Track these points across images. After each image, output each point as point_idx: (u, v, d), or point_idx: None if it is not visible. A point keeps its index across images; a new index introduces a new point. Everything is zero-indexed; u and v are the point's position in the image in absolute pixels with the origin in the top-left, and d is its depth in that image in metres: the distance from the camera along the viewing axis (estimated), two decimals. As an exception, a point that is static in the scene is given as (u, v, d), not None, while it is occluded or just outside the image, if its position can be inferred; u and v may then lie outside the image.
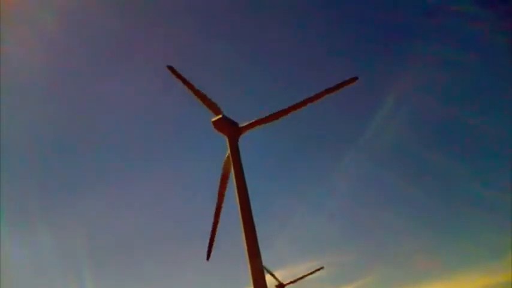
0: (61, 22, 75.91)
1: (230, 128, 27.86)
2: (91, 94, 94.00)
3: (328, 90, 27.27)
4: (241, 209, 25.34)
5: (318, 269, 60.40)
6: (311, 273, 60.68)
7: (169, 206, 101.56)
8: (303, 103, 27.76)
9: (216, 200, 30.59)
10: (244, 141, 28.90)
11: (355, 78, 26.80)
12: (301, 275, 61.36)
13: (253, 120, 28.40)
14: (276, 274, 61.62)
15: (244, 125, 28.46)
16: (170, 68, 27.06)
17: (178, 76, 27.30)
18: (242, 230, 24.81)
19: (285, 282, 61.43)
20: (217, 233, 31.20)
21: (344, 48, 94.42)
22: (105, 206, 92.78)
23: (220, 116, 27.65)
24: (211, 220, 30.88)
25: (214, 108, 28.02)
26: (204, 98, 27.95)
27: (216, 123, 27.51)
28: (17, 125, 79.83)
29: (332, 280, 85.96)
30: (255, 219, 25.30)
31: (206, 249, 31.29)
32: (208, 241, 31.34)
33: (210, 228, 31.00)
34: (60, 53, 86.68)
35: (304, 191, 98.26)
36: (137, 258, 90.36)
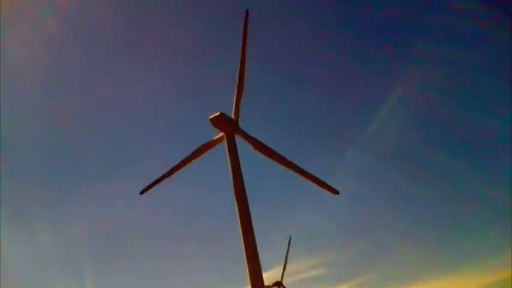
0: (61, 22, 75.88)
1: (228, 125, 27.73)
2: (90, 93, 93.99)
3: (315, 180, 28.77)
4: (239, 207, 25.10)
5: None
6: None
7: (168, 205, 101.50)
8: (290, 166, 28.66)
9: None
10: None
11: (337, 192, 29.08)
12: (298, 275, 61.00)
13: (252, 136, 28.50)
14: (274, 272, 61.66)
15: (243, 130, 28.40)
16: (247, 12, 26.91)
17: (246, 28, 27.00)
18: (240, 229, 24.57)
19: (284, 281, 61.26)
20: (163, 182, 30.35)
21: (347, 45, 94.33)
22: (105, 205, 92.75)
23: (218, 113, 27.51)
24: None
25: (240, 91, 27.89)
26: (242, 72, 27.71)
27: (213, 120, 27.35)
28: (17, 124, 79.84)
29: (332, 277, 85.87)
30: (255, 217, 25.13)
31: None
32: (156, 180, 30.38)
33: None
34: (60, 53, 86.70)
35: (305, 188, 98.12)
36: (137, 256, 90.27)
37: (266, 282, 23.41)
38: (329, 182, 29.00)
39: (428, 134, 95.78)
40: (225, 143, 27.56)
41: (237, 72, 27.72)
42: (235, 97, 28.20)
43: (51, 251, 68.70)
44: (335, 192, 28.83)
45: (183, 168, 29.73)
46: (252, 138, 28.46)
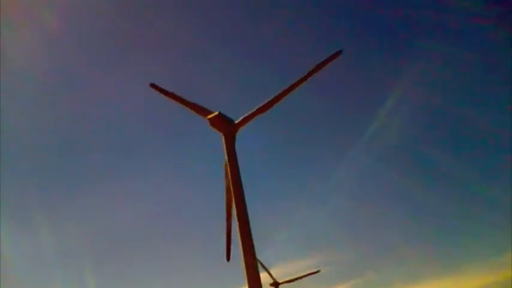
0: (61, 21, 75.92)
1: (226, 126, 27.60)
2: (90, 93, 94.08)
3: (319, 67, 27.16)
4: (237, 209, 25.01)
5: (314, 272, 60.64)
6: (307, 275, 60.64)
7: (168, 204, 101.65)
8: (294, 86, 27.44)
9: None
10: (246, 138, 28.65)
11: (339, 52, 26.87)
12: (297, 274, 61.29)
13: (247, 114, 27.90)
14: (274, 271, 61.68)
15: (239, 120, 28.00)
16: (152, 85, 28.19)
17: (162, 91, 28.20)
18: (237, 229, 24.51)
19: (280, 281, 61.14)
20: (232, 235, 30.81)
21: (348, 44, 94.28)
22: (105, 205, 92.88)
23: (217, 113, 27.47)
24: (224, 222, 30.99)
25: (205, 112, 28.01)
26: (192, 106, 28.39)
27: (212, 121, 27.35)
28: (17, 124, 79.88)
29: (331, 277, 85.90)
30: (255, 216, 25.09)
31: (221, 251, 31.66)
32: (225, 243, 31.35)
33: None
34: (60, 53, 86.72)
35: (306, 188, 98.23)
36: (137, 256, 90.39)
37: (263, 282, 23.37)
38: (329, 182, 28.80)
39: (429, 133, 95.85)
40: (223, 143, 27.57)
41: None
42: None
43: (52, 251, 68.85)
44: (338, 54, 26.99)
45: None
46: (250, 114, 27.99)
